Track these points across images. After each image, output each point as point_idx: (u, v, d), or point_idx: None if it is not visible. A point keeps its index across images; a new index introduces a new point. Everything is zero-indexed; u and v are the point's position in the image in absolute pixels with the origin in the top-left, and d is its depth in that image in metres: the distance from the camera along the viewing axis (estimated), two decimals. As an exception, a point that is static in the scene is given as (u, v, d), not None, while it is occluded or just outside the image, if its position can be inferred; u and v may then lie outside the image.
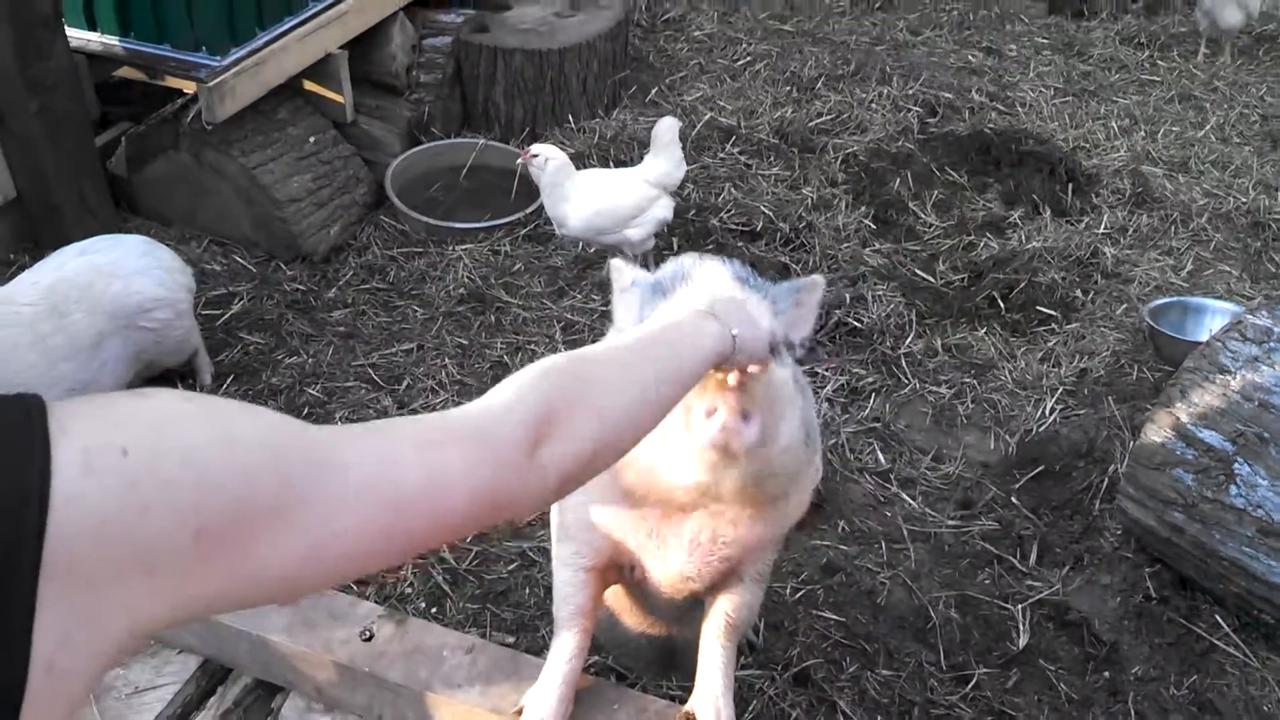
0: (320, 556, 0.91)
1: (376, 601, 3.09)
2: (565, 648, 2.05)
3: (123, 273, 3.51)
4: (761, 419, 1.54)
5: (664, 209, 4.25)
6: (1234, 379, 3.01)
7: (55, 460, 0.77)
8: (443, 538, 1.05)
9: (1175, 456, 3.02)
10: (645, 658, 2.51)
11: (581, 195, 4.17)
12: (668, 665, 2.50)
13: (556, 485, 1.13)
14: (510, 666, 2.18)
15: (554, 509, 2.02)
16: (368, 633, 2.15)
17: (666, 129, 4.29)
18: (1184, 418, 3.03)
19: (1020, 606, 3.14)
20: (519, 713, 2.04)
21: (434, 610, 3.11)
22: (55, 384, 3.25)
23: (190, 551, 0.82)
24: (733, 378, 1.48)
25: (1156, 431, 3.07)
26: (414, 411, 3.79)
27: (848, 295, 4.23)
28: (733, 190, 4.96)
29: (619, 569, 2.01)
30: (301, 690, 2.22)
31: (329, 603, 2.23)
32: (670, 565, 1.90)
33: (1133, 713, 2.87)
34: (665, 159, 4.26)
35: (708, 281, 1.61)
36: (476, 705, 2.08)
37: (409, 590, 3.19)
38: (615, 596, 2.21)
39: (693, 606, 2.12)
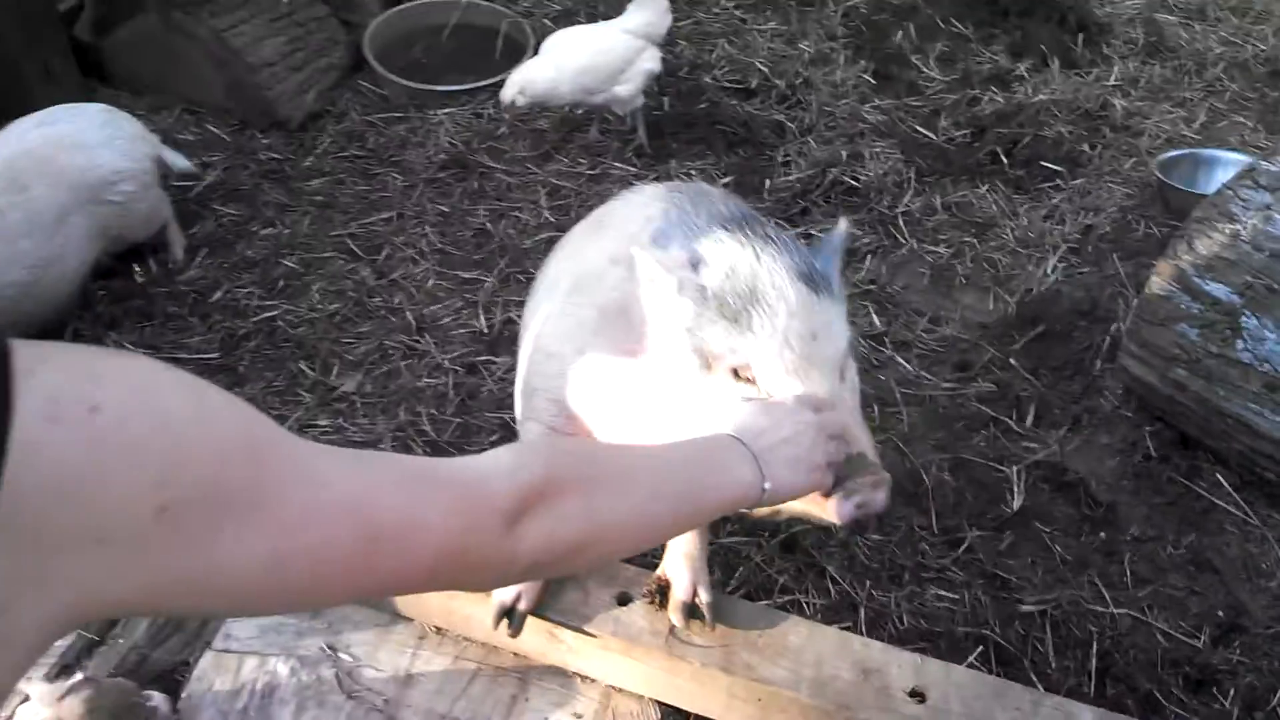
0: (282, 567, 0.84)
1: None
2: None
3: (85, 144, 3.37)
4: (885, 475, 1.40)
5: (651, 61, 4.05)
6: (1244, 229, 2.86)
7: (17, 403, 0.69)
8: (401, 586, 1.00)
9: (1180, 311, 2.89)
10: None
11: (564, 55, 3.99)
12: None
13: (526, 565, 1.07)
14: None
15: (522, 374, 1.89)
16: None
17: (654, -24, 4.07)
18: (1190, 270, 2.89)
19: (1016, 468, 3.05)
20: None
21: (415, 482, 3.04)
22: (14, 262, 3.13)
23: (150, 528, 0.75)
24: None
25: (1161, 285, 2.94)
26: (394, 281, 3.69)
27: (844, 153, 4.06)
28: (726, 46, 4.75)
29: None
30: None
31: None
32: None
33: (1129, 573, 2.80)
34: (650, 7, 4.05)
35: (782, 313, 1.38)
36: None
37: (389, 462, 3.11)
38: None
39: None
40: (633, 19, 4.05)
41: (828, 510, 1.36)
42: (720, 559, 2.83)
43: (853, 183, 3.99)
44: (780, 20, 4.93)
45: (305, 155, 4.25)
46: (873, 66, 4.66)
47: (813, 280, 1.41)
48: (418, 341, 3.47)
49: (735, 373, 1.40)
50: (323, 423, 3.25)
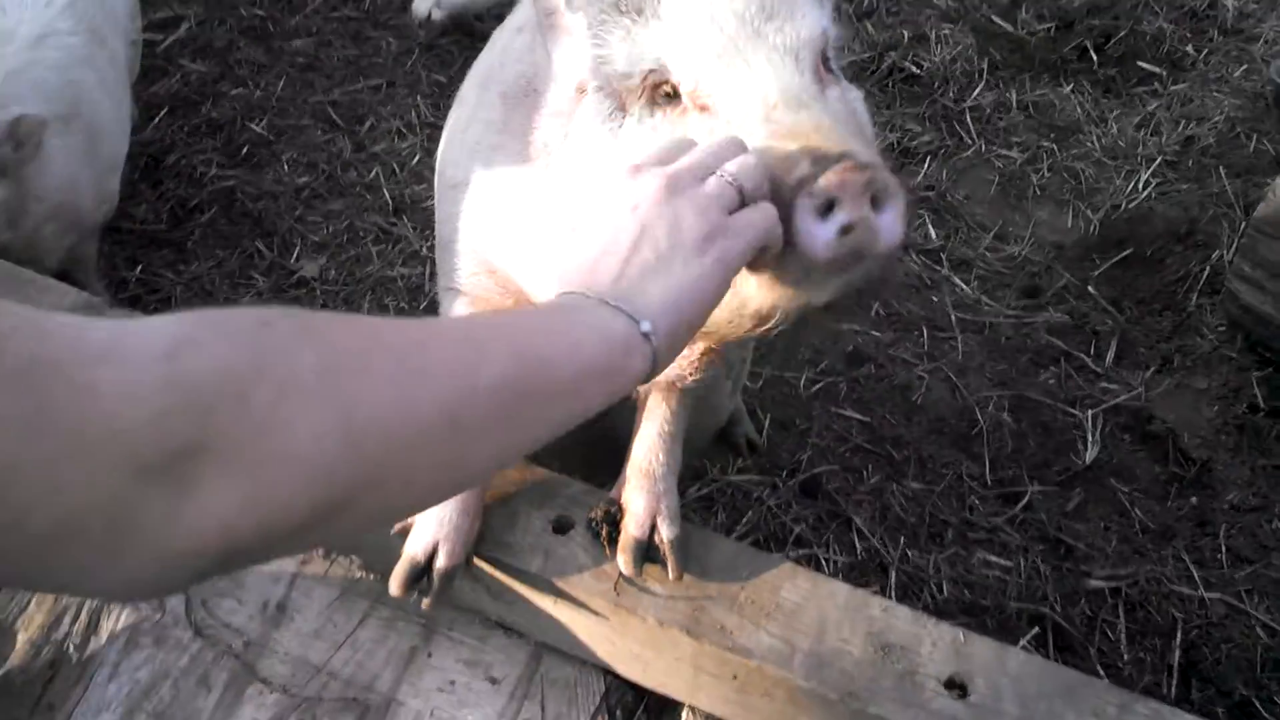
0: None
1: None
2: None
3: None
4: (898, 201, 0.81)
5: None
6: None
7: None
8: None
9: (1312, 226, 2.34)
10: (562, 445, 1.82)
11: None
12: (593, 462, 1.78)
13: (204, 551, 0.58)
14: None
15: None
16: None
17: None
18: (1329, 177, 2.34)
19: (1090, 413, 2.53)
20: (402, 532, 1.38)
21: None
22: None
23: None
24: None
25: (1289, 193, 2.38)
26: (374, 155, 3.20)
27: (906, 34, 3.48)
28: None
29: None
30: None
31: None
32: None
33: (1224, 548, 2.29)
34: None
35: None
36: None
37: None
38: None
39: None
40: None
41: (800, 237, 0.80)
42: (725, 500, 2.36)
43: (914, 70, 3.43)
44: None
45: (293, 14, 3.76)
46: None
47: None
48: (394, 224, 2.99)
49: (654, 95, 0.95)
50: (275, 310, 2.79)
